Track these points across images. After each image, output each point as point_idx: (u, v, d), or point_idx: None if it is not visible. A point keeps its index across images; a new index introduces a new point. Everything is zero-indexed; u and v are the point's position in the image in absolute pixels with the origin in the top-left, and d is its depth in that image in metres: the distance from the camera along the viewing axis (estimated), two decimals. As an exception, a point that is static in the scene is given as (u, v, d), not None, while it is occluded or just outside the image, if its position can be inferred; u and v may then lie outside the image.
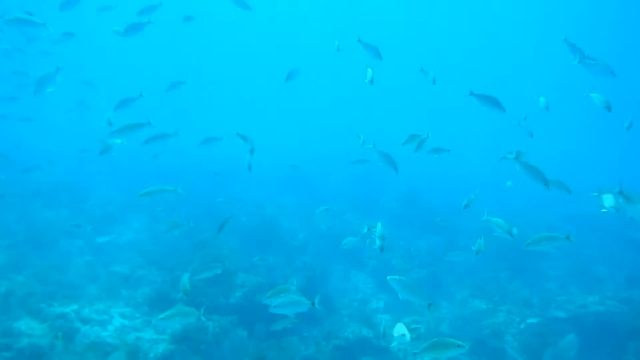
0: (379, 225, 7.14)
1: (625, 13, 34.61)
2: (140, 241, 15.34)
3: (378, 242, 7.04)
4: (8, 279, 10.31)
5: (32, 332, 8.65)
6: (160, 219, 17.01)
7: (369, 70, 7.94)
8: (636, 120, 9.61)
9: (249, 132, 8.59)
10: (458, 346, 4.65)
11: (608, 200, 6.16)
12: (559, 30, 8.67)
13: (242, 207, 17.66)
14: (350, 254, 14.54)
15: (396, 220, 16.83)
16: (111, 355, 7.54)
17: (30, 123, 16.88)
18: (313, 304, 6.16)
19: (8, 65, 15.79)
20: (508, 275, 12.31)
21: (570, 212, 17.64)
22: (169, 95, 10.84)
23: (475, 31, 43.20)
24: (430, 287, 12.56)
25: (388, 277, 5.42)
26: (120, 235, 16.04)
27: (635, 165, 38.19)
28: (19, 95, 14.98)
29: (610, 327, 8.41)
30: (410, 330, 7.02)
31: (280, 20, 45.88)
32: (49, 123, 27.39)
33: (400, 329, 5.66)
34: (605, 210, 6.22)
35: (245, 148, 8.93)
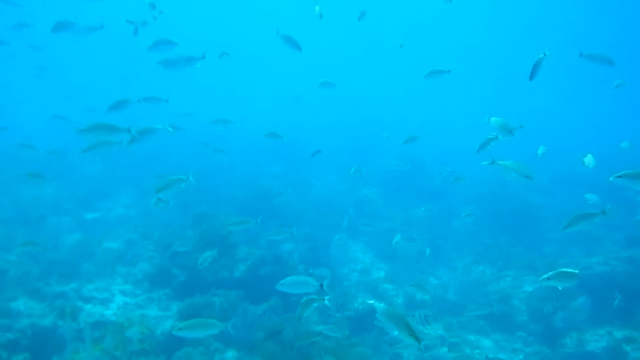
0: None
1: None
2: (131, 217, 14.90)
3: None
4: (0, 258, 9.85)
5: (32, 311, 8.30)
6: (150, 194, 16.55)
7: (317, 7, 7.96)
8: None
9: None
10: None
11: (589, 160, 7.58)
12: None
13: (233, 178, 17.31)
14: (350, 222, 14.43)
15: (392, 188, 16.73)
16: (128, 331, 7.27)
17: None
18: (321, 285, 5.95)
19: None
20: (508, 240, 12.39)
21: (560, 173, 17.79)
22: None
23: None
24: (430, 255, 12.54)
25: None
26: (109, 211, 15.55)
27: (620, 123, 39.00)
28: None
29: (617, 287, 8.50)
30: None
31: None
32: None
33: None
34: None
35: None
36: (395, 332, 4.29)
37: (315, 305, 6.03)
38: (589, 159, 8.10)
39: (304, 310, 6.02)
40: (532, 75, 6.83)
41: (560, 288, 5.28)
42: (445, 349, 8.49)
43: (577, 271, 5.18)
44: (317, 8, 9.30)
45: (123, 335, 7.56)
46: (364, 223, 13.15)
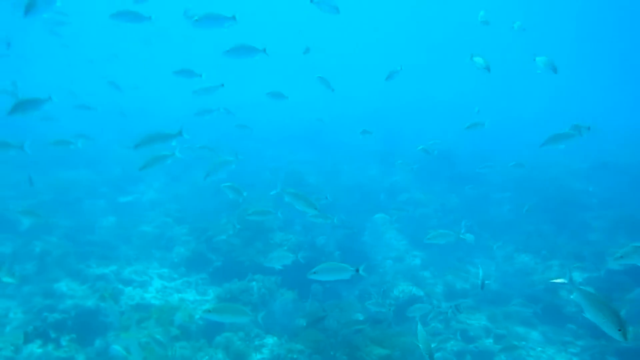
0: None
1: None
2: (163, 201, 14.92)
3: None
4: (41, 239, 9.95)
5: (74, 293, 8.36)
6: (180, 179, 16.59)
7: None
8: None
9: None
10: None
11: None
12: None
13: (263, 163, 17.18)
14: (379, 209, 14.18)
15: (425, 174, 16.33)
16: (168, 315, 7.23)
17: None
18: (357, 270, 5.65)
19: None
20: (551, 228, 11.96)
21: (602, 159, 17.12)
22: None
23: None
24: (466, 244, 12.21)
25: None
26: (142, 194, 15.63)
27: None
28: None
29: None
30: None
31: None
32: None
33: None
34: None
35: None
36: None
37: None
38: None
39: None
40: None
41: None
42: (490, 340, 8.22)
43: None
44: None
45: (164, 319, 7.53)
46: (397, 208, 12.83)
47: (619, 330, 3.53)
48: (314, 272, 5.52)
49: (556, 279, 9.17)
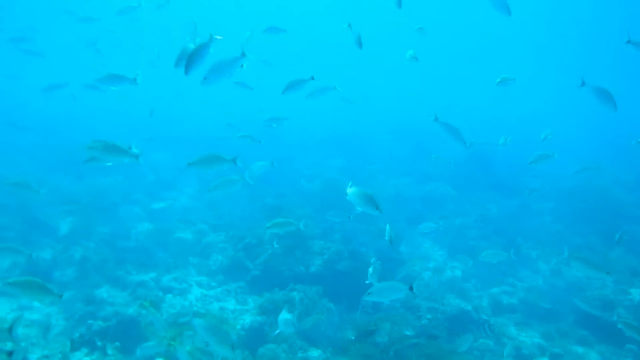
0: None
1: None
2: (196, 207, 14.84)
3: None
4: (80, 245, 9.91)
5: (114, 300, 8.25)
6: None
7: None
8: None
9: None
10: None
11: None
12: None
13: (296, 170, 17.00)
14: (416, 219, 13.83)
15: (462, 182, 15.91)
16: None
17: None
18: (411, 288, 5.40)
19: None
20: (601, 241, 11.41)
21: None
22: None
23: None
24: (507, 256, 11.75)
25: None
26: (175, 201, 15.60)
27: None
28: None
29: None
30: None
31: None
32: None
33: None
34: None
35: None
36: None
37: None
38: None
39: None
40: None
41: None
42: (545, 359, 7.78)
43: None
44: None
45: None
46: (439, 217, 12.45)
47: None
48: (370, 294, 5.37)
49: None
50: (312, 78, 6.35)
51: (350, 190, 5.10)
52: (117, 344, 6.60)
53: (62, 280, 9.08)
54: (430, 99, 38.26)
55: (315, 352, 7.55)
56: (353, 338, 7.49)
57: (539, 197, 14.81)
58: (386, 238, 6.25)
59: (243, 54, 4.96)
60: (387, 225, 6.28)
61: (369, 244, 11.10)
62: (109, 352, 6.25)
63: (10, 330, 3.42)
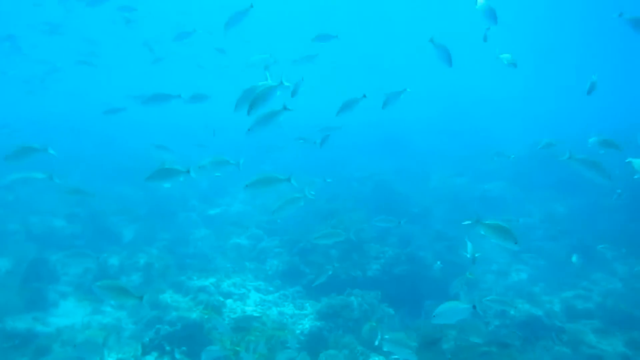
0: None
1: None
2: (249, 212, 15.04)
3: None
4: (144, 251, 10.25)
5: (178, 305, 8.45)
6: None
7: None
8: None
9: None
10: None
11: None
12: None
13: (349, 173, 16.88)
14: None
15: (522, 180, 15.22)
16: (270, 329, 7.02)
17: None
18: (474, 307, 5.26)
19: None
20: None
21: None
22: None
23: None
24: (580, 258, 11.09)
25: None
26: (229, 206, 15.88)
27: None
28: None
29: None
30: None
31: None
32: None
33: None
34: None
35: None
36: None
37: None
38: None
39: None
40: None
41: None
42: (630, 369, 7.22)
43: None
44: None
45: (268, 334, 7.34)
46: (504, 219, 11.92)
47: None
48: (435, 316, 5.24)
49: None
50: (364, 96, 6.25)
51: (480, 225, 4.93)
52: (184, 348, 6.73)
53: (129, 285, 9.41)
54: (479, 95, 37.20)
55: (376, 359, 7.39)
56: (416, 345, 7.27)
57: (611, 195, 13.95)
58: (468, 255, 6.11)
59: (284, 107, 5.09)
60: (469, 243, 6.13)
61: (426, 247, 10.80)
62: (177, 356, 6.38)
63: (103, 344, 3.55)
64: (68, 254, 10.29)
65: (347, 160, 18.94)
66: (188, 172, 5.44)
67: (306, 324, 8.39)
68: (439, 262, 9.25)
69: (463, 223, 5.05)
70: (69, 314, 8.70)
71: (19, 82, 17.03)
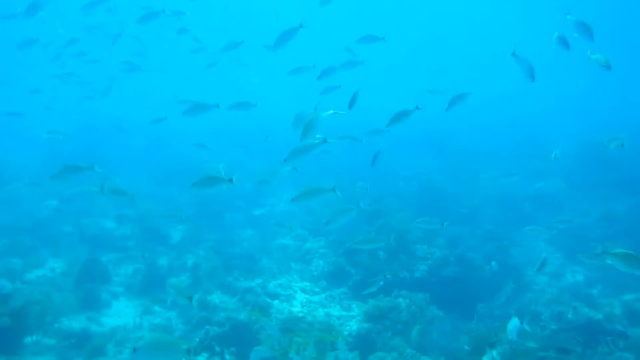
0: None
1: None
2: (294, 213, 15.03)
3: None
4: (192, 252, 10.42)
5: (226, 305, 8.49)
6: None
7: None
8: None
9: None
10: None
11: None
12: None
13: (393, 172, 16.61)
14: (525, 219, 12.81)
15: (576, 179, 14.51)
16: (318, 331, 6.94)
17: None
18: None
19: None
20: None
21: None
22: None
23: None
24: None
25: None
26: (273, 207, 15.96)
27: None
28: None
29: None
30: None
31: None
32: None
33: None
34: None
35: None
36: None
37: None
38: None
39: None
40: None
41: None
42: None
43: None
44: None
45: (317, 336, 7.26)
46: (557, 221, 11.39)
47: None
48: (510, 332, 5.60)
49: None
50: (417, 108, 6.12)
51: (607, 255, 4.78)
52: (233, 349, 6.76)
53: (179, 286, 9.59)
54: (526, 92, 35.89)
55: (428, 362, 7.18)
56: (468, 348, 7.02)
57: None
58: (536, 270, 6.03)
59: (324, 140, 5.33)
60: (543, 254, 6.07)
61: (476, 247, 10.44)
62: (227, 357, 6.42)
63: (188, 351, 3.57)
64: (119, 255, 10.69)
65: (392, 159, 18.65)
66: (230, 180, 5.53)
67: (353, 326, 8.28)
68: (494, 263, 8.90)
69: (593, 253, 4.92)
70: (120, 313, 8.95)
71: (79, 86, 17.70)
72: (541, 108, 32.91)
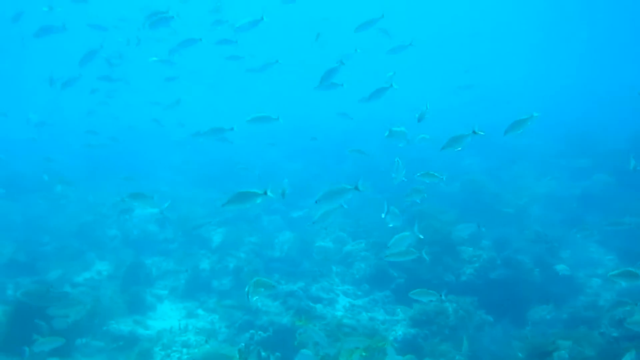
0: None
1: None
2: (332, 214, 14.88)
3: None
4: (232, 255, 10.45)
5: (268, 309, 8.45)
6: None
7: None
8: None
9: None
10: None
11: None
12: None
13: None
14: (573, 220, 12.26)
15: (627, 176, 13.74)
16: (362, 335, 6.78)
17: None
18: None
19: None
20: None
21: None
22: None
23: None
24: None
25: None
26: (311, 209, 15.85)
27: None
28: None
29: None
30: None
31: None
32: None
33: None
34: None
35: None
36: None
37: None
38: None
39: None
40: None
41: None
42: None
43: None
44: None
45: (364, 343, 7.10)
46: (609, 222, 10.81)
47: None
48: None
49: None
50: (474, 132, 5.98)
51: None
52: (278, 354, 6.69)
53: (220, 289, 9.65)
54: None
55: (477, 370, 6.92)
56: (522, 356, 6.71)
57: None
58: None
59: (356, 187, 5.74)
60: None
61: (524, 250, 10.03)
62: (272, 362, 6.35)
63: None
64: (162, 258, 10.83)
65: (431, 158, 18.25)
66: (265, 193, 5.46)
67: (399, 331, 8.09)
68: (563, 265, 8.52)
69: None
70: (165, 316, 9.05)
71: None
72: (586, 103, 31.59)
